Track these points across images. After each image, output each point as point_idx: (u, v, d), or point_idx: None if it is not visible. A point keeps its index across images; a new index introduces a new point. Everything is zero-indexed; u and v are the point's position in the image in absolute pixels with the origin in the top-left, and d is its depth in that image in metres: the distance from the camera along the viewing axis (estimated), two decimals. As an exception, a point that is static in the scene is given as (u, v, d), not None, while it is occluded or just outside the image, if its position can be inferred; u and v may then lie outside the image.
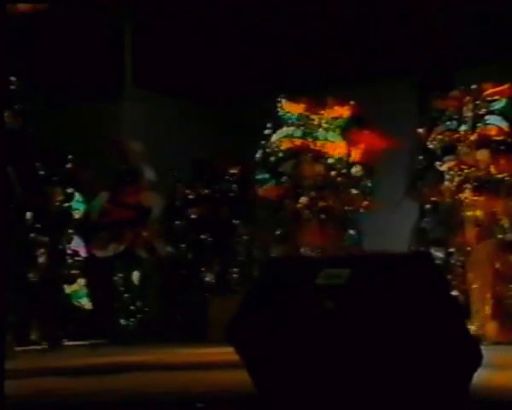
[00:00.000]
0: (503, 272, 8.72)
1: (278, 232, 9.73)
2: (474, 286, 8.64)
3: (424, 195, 9.17)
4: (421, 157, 9.21)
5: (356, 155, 9.59)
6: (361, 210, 9.72)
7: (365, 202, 9.61)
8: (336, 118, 9.73)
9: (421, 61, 10.14)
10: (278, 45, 10.27)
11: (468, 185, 8.84)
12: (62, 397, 4.79)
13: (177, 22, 10.20)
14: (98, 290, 10.39)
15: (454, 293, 8.28)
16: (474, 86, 9.06)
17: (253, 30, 10.17)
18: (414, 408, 3.52)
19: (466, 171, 8.89)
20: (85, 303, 10.26)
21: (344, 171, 9.59)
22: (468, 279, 8.67)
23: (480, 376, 3.77)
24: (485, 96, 8.98)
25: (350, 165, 9.60)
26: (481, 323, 8.34)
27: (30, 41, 6.23)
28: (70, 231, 10.09)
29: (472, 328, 7.95)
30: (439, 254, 8.71)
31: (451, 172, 8.94)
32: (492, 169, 8.81)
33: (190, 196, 10.89)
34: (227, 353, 4.08)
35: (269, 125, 9.81)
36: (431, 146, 9.15)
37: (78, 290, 10.23)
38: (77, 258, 10.17)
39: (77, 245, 10.21)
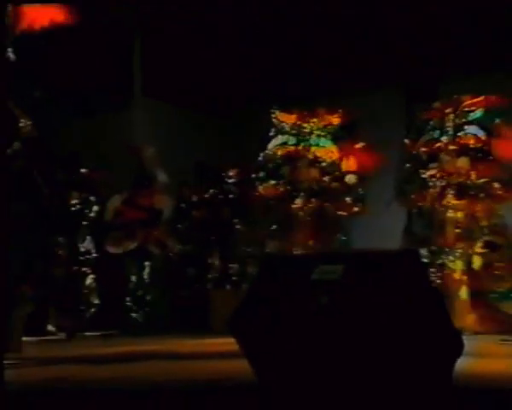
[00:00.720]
0: (486, 268, 8.76)
1: (275, 231, 9.72)
2: (457, 281, 8.69)
3: (411, 199, 9.19)
4: (407, 165, 9.22)
5: (348, 164, 9.59)
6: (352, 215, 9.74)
7: (356, 208, 9.62)
8: (326, 125, 9.75)
9: (407, 75, 10.14)
10: (275, 62, 10.25)
11: (450, 190, 8.86)
12: (78, 384, 4.75)
13: (184, 38, 10.18)
14: (109, 285, 10.38)
15: (439, 287, 8.33)
16: (454, 97, 9.08)
17: (254, 47, 10.16)
18: (401, 394, 3.50)
19: (447, 177, 8.92)
20: (94, 298, 10.26)
21: (337, 174, 9.59)
22: (451, 275, 8.71)
23: (462, 364, 3.75)
24: (464, 108, 9.00)
25: (343, 173, 9.60)
26: (463, 315, 8.36)
27: (48, 56, 6.20)
28: (84, 231, 10.12)
29: (454, 319, 7.96)
30: (425, 253, 8.69)
31: (434, 179, 8.97)
32: (472, 175, 8.83)
33: (194, 199, 10.90)
34: (229, 343, 4.04)
35: (272, 133, 9.83)
36: (416, 154, 9.17)
37: (89, 286, 10.24)
38: (88, 256, 10.18)
39: (88, 244, 10.22)
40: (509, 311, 8.49)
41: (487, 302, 8.62)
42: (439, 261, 8.76)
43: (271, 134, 9.84)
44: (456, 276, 8.75)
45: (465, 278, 8.74)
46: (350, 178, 9.58)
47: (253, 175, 9.90)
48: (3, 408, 3.86)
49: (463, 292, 8.65)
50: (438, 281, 8.48)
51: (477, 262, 8.73)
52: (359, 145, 9.57)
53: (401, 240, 9.23)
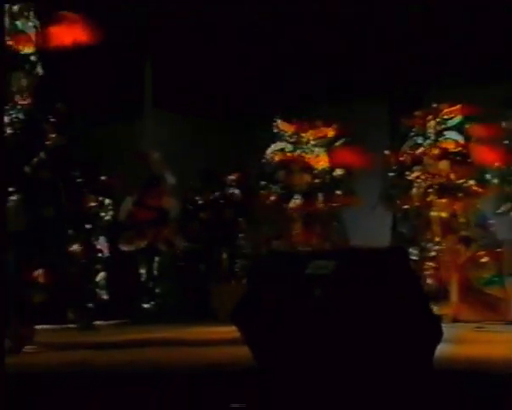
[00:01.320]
0: (464, 262, 8.79)
1: (274, 230, 9.74)
2: (443, 274, 8.74)
3: (396, 203, 9.22)
4: (391, 173, 9.26)
5: (337, 163, 9.62)
6: (344, 207, 9.74)
7: (347, 200, 9.63)
8: (322, 137, 9.76)
9: (392, 86, 10.11)
10: (275, 77, 10.24)
11: (433, 191, 8.89)
12: (94, 367, 4.79)
13: (190, 56, 10.19)
14: (122, 279, 10.38)
15: (426, 281, 8.38)
16: (434, 106, 9.12)
17: (255, 62, 10.15)
18: (387, 377, 3.51)
19: (431, 179, 8.94)
20: (102, 293, 10.25)
21: (328, 177, 9.63)
22: (435, 270, 8.74)
23: (442, 349, 3.78)
24: (443, 115, 9.03)
25: (332, 170, 9.63)
26: (443, 304, 8.40)
27: (70, 72, 6.20)
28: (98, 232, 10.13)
29: (436, 309, 8.01)
30: (413, 250, 8.70)
31: (419, 180, 9.00)
32: (452, 176, 8.87)
33: (200, 201, 10.90)
34: (231, 331, 4.07)
35: (269, 141, 9.86)
36: (401, 158, 9.20)
37: (99, 282, 10.24)
38: (101, 255, 10.18)
39: (101, 244, 10.21)
40: (495, 293, 8.55)
41: (475, 289, 8.66)
42: (427, 256, 8.79)
43: (271, 141, 9.85)
44: (444, 268, 8.79)
45: (452, 269, 8.79)
46: (338, 173, 9.63)
47: (255, 180, 9.93)
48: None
49: (452, 282, 8.71)
50: (427, 274, 8.49)
51: (462, 254, 8.79)
52: (348, 150, 9.59)
53: (390, 239, 9.27)
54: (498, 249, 8.66)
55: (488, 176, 8.56)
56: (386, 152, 9.28)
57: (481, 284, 8.65)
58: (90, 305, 9.74)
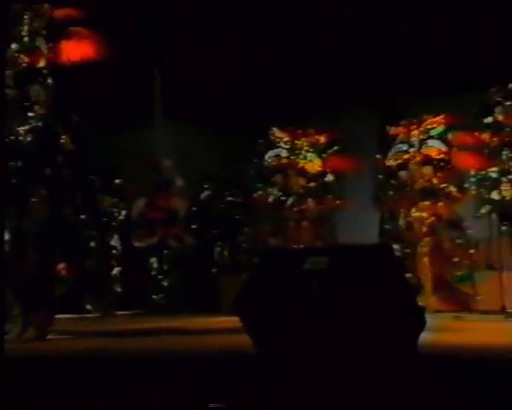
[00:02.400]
0: (443, 259, 8.79)
1: (272, 228, 9.72)
2: (422, 269, 8.72)
3: (384, 204, 9.21)
4: (380, 176, 9.25)
5: (329, 169, 9.62)
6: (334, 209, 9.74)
7: (337, 203, 9.62)
8: (314, 143, 9.74)
9: (379, 98, 10.10)
10: (273, 90, 10.23)
11: (417, 193, 8.89)
12: (110, 353, 4.78)
13: (196, 72, 10.18)
14: (135, 273, 10.37)
15: (408, 275, 8.34)
16: (418, 117, 9.11)
17: (254, 79, 10.14)
18: (376, 360, 3.51)
19: (414, 183, 8.94)
20: (117, 286, 10.24)
21: (320, 181, 9.62)
22: (418, 265, 8.74)
23: (425, 336, 3.78)
24: (427, 125, 9.02)
25: (324, 176, 9.63)
26: (426, 297, 8.39)
27: (86, 84, 6.18)
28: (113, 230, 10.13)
29: (420, 300, 8.01)
30: (397, 247, 8.68)
31: (404, 184, 9.00)
32: (434, 180, 8.86)
33: (206, 202, 10.90)
34: (234, 321, 4.05)
35: (267, 147, 9.84)
36: (388, 163, 9.18)
37: (114, 276, 10.24)
38: (115, 251, 10.18)
39: (116, 242, 10.21)
40: (465, 290, 8.55)
41: (449, 285, 8.67)
42: (410, 252, 8.79)
43: (267, 148, 9.84)
44: (424, 264, 8.78)
45: (429, 267, 8.78)
46: (329, 179, 9.62)
47: (254, 182, 9.92)
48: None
49: (429, 278, 8.70)
50: (409, 269, 8.48)
51: (439, 252, 8.79)
52: (339, 156, 9.59)
53: (377, 236, 9.24)
54: (471, 251, 8.67)
55: (467, 183, 8.55)
56: (378, 156, 9.25)
57: (454, 281, 8.67)
58: (107, 297, 9.76)
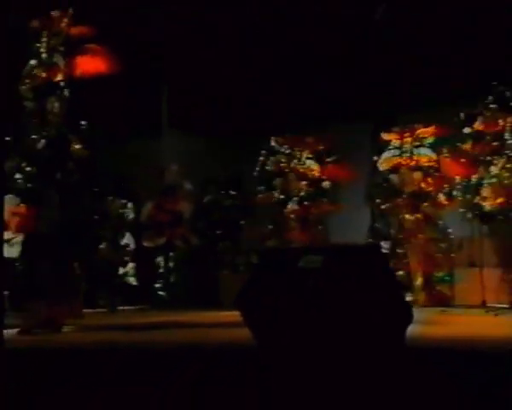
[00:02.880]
0: (430, 258, 8.84)
1: (271, 229, 9.74)
2: (411, 268, 8.78)
3: (376, 203, 9.24)
4: (373, 177, 9.29)
5: (326, 176, 9.67)
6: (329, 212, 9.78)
7: (332, 207, 9.66)
8: (312, 151, 9.77)
9: (373, 107, 10.10)
10: (273, 100, 10.24)
11: (407, 196, 8.93)
12: (119, 344, 4.80)
13: (200, 86, 10.22)
14: (143, 271, 10.40)
15: (398, 272, 8.41)
16: (410, 125, 9.16)
17: (257, 85, 10.16)
18: (366, 352, 3.53)
19: (405, 186, 8.98)
20: (132, 281, 10.28)
21: (318, 186, 9.66)
22: (408, 263, 8.79)
23: (412, 329, 3.83)
24: (419, 134, 9.07)
25: (321, 181, 9.67)
26: (416, 293, 8.44)
27: (99, 95, 6.22)
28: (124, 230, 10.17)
29: (409, 296, 8.09)
30: (386, 245, 8.72)
31: (395, 187, 9.04)
32: (423, 185, 8.90)
33: (209, 205, 10.91)
34: (235, 316, 4.10)
35: (263, 152, 9.88)
36: (381, 168, 9.23)
37: (128, 272, 10.27)
38: (127, 249, 10.21)
39: (128, 240, 10.25)
40: (443, 290, 8.64)
41: (431, 284, 8.75)
42: (399, 252, 8.82)
43: (268, 154, 9.87)
44: (412, 263, 8.83)
45: (417, 264, 8.83)
46: (326, 184, 9.66)
47: (254, 186, 9.96)
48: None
49: (417, 275, 8.75)
50: (398, 267, 8.52)
51: (424, 253, 8.85)
52: (333, 158, 9.64)
53: (367, 235, 9.29)
54: (452, 254, 8.76)
55: (454, 192, 8.61)
56: (375, 158, 9.30)
57: (435, 281, 8.73)
58: (117, 292, 9.80)
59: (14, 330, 5.57)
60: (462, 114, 8.30)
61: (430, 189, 8.91)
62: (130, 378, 3.79)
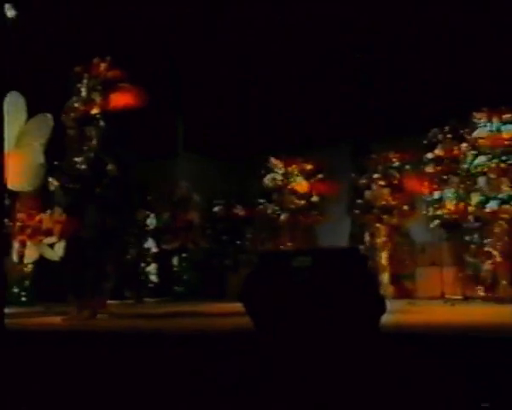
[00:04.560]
0: (396, 259, 8.94)
1: (269, 235, 9.76)
2: (383, 266, 8.82)
3: (356, 215, 9.29)
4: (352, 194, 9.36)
5: (315, 194, 9.71)
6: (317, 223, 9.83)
7: (319, 218, 9.69)
8: (302, 170, 9.81)
9: (353, 134, 10.07)
10: (270, 128, 10.26)
11: (377, 209, 9.01)
12: (142, 330, 4.80)
13: (210, 116, 10.25)
14: (162, 269, 10.37)
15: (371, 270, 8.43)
16: (384, 153, 9.25)
17: (257, 116, 10.18)
18: (347, 337, 3.53)
19: (376, 200, 9.04)
20: (154, 278, 10.26)
21: (307, 200, 9.70)
22: (379, 263, 8.84)
23: (385, 318, 3.84)
24: (390, 159, 9.15)
25: (311, 197, 9.71)
26: (385, 287, 8.46)
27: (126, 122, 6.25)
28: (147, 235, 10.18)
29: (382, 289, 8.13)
30: (363, 249, 8.75)
31: (369, 201, 9.09)
32: (389, 200, 8.97)
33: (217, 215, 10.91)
34: (238, 307, 4.09)
35: (263, 171, 9.92)
36: (358, 184, 9.30)
37: (151, 270, 10.25)
38: (150, 252, 10.21)
39: (150, 244, 10.25)
40: (407, 285, 8.74)
41: (400, 280, 8.82)
42: (373, 254, 8.86)
43: (266, 172, 9.92)
44: (382, 263, 8.87)
45: (387, 265, 8.88)
46: (314, 199, 9.68)
47: (255, 199, 9.99)
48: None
49: (386, 274, 8.80)
50: (372, 266, 8.56)
51: (394, 254, 8.93)
52: (320, 176, 9.69)
53: (348, 241, 9.32)
54: (416, 256, 8.87)
55: (417, 204, 8.70)
56: (353, 175, 9.35)
57: (400, 278, 8.80)
58: (141, 287, 9.79)
59: (60, 318, 5.61)
60: (424, 142, 8.39)
61: (397, 202, 8.98)
62: (149, 353, 3.78)
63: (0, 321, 3.99)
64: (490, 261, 7.56)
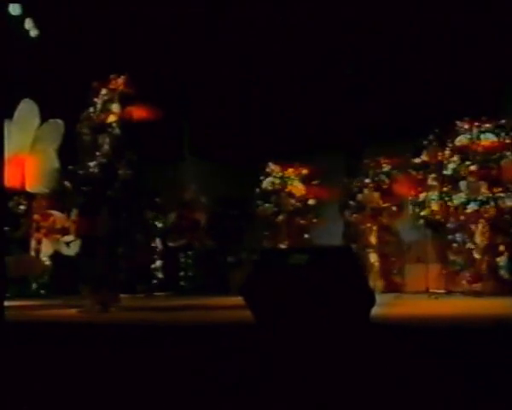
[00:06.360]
0: (385, 256, 8.95)
1: (268, 234, 9.76)
2: (372, 263, 8.83)
3: (348, 215, 9.29)
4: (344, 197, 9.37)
5: (310, 196, 9.70)
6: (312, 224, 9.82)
7: (315, 220, 9.69)
8: (299, 174, 9.81)
9: (346, 141, 10.04)
10: (270, 135, 10.23)
11: (368, 211, 9.02)
12: (151, 322, 4.81)
13: (213, 124, 10.25)
14: (169, 265, 10.35)
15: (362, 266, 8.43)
16: (375, 158, 9.24)
17: (257, 123, 10.16)
18: (340, 327, 3.53)
19: (367, 203, 9.04)
20: (159, 274, 10.24)
21: (304, 203, 9.71)
22: (369, 260, 8.86)
23: (375, 310, 3.85)
24: (380, 164, 9.16)
25: (307, 199, 9.70)
26: (374, 281, 8.46)
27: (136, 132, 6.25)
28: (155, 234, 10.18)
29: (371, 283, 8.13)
30: (355, 247, 8.75)
31: (361, 204, 9.10)
32: (380, 202, 8.97)
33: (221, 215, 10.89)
34: (240, 301, 4.09)
35: (262, 177, 9.92)
36: (350, 188, 9.31)
37: (157, 267, 10.24)
38: (157, 249, 10.21)
39: (158, 242, 10.24)
40: (397, 280, 8.78)
41: (387, 275, 8.84)
42: (364, 252, 8.87)
43: (265, 177, 9.92)
44: (372, 261, 8.87)
45: (377, 262, 8.89)
46: (311, 202, 9.68)
47: (255, 201, 9.98)
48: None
49: (376, 270, 8.81)
50: (363, 263, 8.56)
51: (383, 252, 8.95)
52: (316, 181, 9.69)
53: (341, 240, 9.31)
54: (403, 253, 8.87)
55: (405, 205, 8.71)
56: (346, 179, 9.35)
57: (391, 274, 8.87)
58: (150, 282, 9.78)
59: (76, 310, 5.61)
60: (412, 148, 8.42)
61: (386, 204, 8.99)
62: (158, 342, 3.77)
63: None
64: (470, 258, 7.60)
